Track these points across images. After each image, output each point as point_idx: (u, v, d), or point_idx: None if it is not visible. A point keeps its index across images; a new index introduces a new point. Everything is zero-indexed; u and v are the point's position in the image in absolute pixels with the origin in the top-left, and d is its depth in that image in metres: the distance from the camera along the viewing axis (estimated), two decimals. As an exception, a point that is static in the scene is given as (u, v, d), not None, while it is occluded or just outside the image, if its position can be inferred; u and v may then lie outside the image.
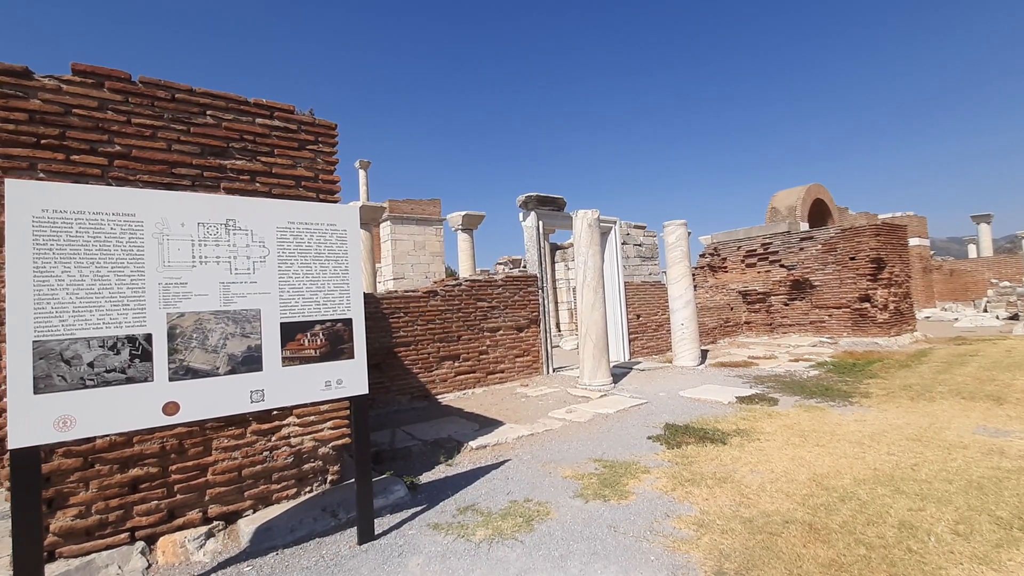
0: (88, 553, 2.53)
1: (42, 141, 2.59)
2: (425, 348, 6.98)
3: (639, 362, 9.24)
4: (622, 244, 10.16)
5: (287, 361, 2.70)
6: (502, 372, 7.78)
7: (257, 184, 3.33)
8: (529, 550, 2.63)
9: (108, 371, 2.15)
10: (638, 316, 10.10)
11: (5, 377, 2.04)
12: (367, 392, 2.96)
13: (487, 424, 5.30)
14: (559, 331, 15.69)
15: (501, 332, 7.83)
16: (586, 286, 7.12)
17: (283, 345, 2.70)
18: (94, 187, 2.21)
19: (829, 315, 11.48)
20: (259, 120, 3.36)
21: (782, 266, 12.30)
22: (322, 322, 2.84)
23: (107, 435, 2.35)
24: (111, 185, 2.73)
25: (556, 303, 15.90)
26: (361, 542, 2.80)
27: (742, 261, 13.26)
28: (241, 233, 2.64)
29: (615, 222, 9.60)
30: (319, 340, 2.83)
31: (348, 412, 3.45)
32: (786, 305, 12.24)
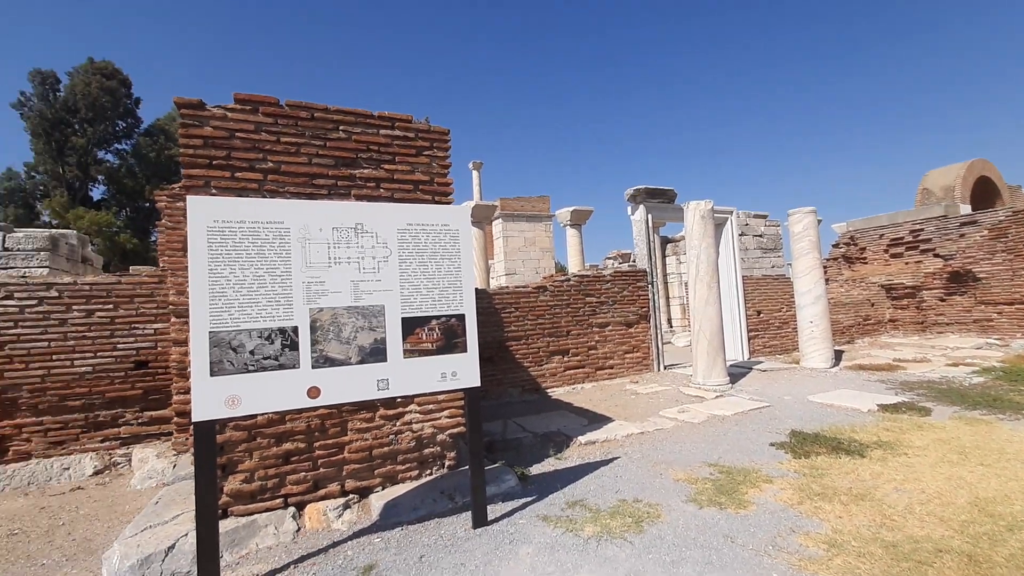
0: (252, 514, 2.93)
1: (213, 162, 3.04)
2: (535, 343, 7.09)
3: (759, 362, 8.57)
4: (739, 235, 9.48)
5: (407, 353, 2.90)
6: (611, 368, 7.66)
7: (381, 190, 3.60)
8: (639, 552, 2.57)
9: (265, 358, 2.48)
10: (758, 312, 9.36)
11: (192, 362, 2.43)
12: (479, 384, 3.09)
13: (596, 420, 5.26)
14: (671, 327, 15.05)
15: (610, 328, 7.71)
16: (699, 280, 6.75)
17: (404, 338, 2.90)
18: (252, 200, 2.55)
19: (998, 312, 9.75)
20: (382, 131, 3.63)
21: (936, 256, 10.66)
22: (437, 317, 3.01)
23: (265, 413, 2.70)
24: (266, 197, 3.13)
25: (667, 298, 15.27)
26: (475, 526, 2.94)
27: (885, 251, 11.71)
28: (368, 236, 2.88)
29: (731, 212, 8.97)
30: (435, 334, 3.00)
31: (463, 402, 3.62)
32: (942, 301, 10.60)
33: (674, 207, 8.64)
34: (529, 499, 3.33)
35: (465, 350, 3.04)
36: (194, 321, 2.35)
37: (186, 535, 2.66)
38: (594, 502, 3.22)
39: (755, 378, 7.24)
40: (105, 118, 24.28)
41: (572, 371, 7.34)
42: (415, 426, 3.57)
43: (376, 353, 2.80)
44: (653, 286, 8.12)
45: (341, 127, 3.49)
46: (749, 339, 9.05)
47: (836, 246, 12.97)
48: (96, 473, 4.48)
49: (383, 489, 3.40)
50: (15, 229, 7.76)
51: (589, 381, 7.43)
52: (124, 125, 25.44)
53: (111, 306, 4.78)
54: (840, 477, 3.43)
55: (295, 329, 2.58)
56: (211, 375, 2.35)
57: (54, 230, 8.33)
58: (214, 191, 3.02)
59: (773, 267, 10.10)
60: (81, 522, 3.44)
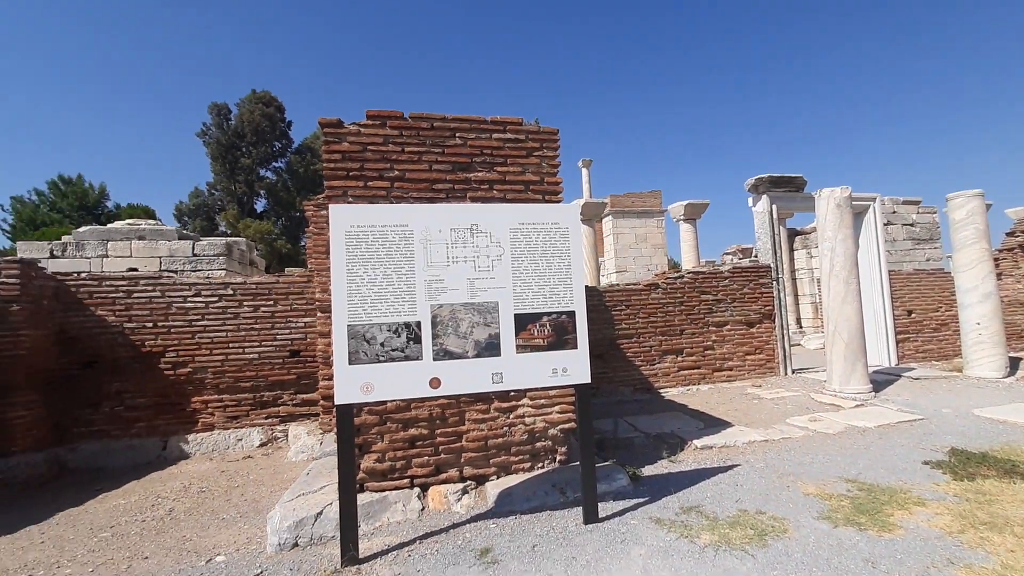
0: (384, 491, 3.20)
1: (350, 173, 3.36)
2: (647, 341, 6.86)
3: (911, 368, 7.46)
4: (885, 225, 8.33)
5: (520, 349, 2.97)
6: (730, 370, 7.16)
7: (494, 191, 3.71)
8: (761, 566, 2.38)
9: (393, 350, 2.69)
10: (909, 312, 8.16)
11: (334, 352, 2.71)
12: (590, 381, 3.06)
13: (713, 424, 4.95)
14: (800, 328, 13.68)
15: (728, 327, 7.21)
16: (833, 276, 6.04)
17: (516, 334, 2.97)
18: (381, 206, 2.78)
19: None
20: (495, 135, 3.74)
21: None
22: (548, 314, 3.03)
23: (394, 400, 2.93)
24: (393, 203, 3.38)
25: (796, 296, 13.90)
26: (586, 522, 2.92)
27: (1085, 239, 9.55)
28: (482, 235, 2.99)
29: (873, 199, 7.91)
30: (546, 331, 3.03)
31: (573, 398, 3.61)
32: None
33: (803, 196, 7.84)
34: (641, 500, 3.24)
35: (575, 347, 3.03)
36: (336, 315, 2.62)
37: (331, 504, 2.98)
38: (711, 509, 3.04)
39: (904, 387, 6.32)
40: (265, 141, 27.91)
41: (686, 371, 6.99)
42: (527, 420, 3.63)
43: (491, 348, 2.90)
44: (778, 283, 7.44)
45: (457, 134, 3.65)
46: (897, 343, 7.92)
47: (1011, 234, 10.85)
48: (262, 445, 5.19)
49: (497, 478, 3.51)
50: (201, 238, 9.23)
51: (705, 383, 7.02)
52: (280, 146, 29.02)
53: (271, 302, 5.50)
54: (1014, 506, 2.87)
55: (418, 324, 2.76)
56: (349, 364, 2.60)
57: (228, 238, 9.77)
58: (351, 199, 3.34)
59: (928, 260, 8.73)
60: (251, 485, 4.02)
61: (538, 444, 3.64)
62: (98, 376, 4.99)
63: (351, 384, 2.60)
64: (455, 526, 2.95)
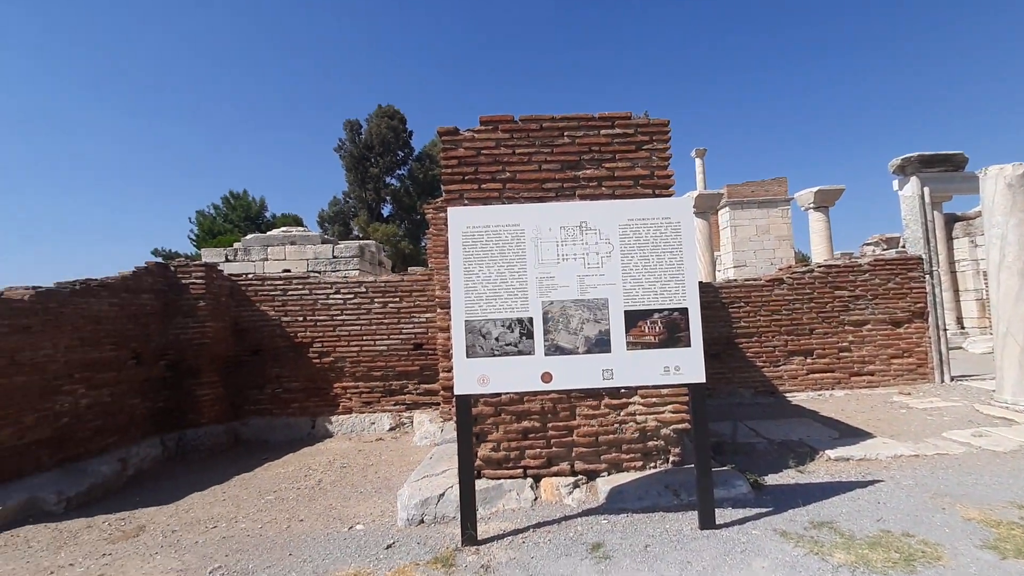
0: (499, 479, 3.34)
1: (465, 177, 3.54)
2: (769, 340, 6.32)
3: (1122, 379, 6.02)
4: (1083, 206, 6.80)
5: (630, 346, 2.91)
6: (870, 375, 6.34)
7: (603, 188, 3.67)
8: (914, 594, 2.09)
9: (507, 344, 2.79)
10: (1120, 310, 6.57)
11: (453, 345, 2.88)
12: (704, 381, 2.91)
13: (849, 434, 4.43)
14: (961, 328, 11.69)
15: (869, 327, 6.39)
16: (1004, 268, 5.08)
17: (627, 331, 2.91)
18: (494, 207, 2.89)
19: None
20: (603, 131, 3.69)
21: None
22: (660, 311, 2.93)
23: (508, 393, 3.04)
24: (505, 204, 3.50)
25: (956, 291, 11.90)
26: (702, 527, 2.78)
27: None
28: (591, 232, 2.97)
29: (1068, 175, 6.49)
30: (657, 328, 2.93)
31: (687, 398, 3.46)
32: None
33: (963, 176, 6.68)
34: (763, 510, 3.01)
35: (689, 344, 2.90)
36: (455, 311, 2.78)
37: (452, 487, 3.17)
38: (847, 527, 2.73)
39: (1112, 401, 5.12)
40: (390, 151, 30.23)
41: (817, 375, 6.32)
42: (639, 417, 3.55)
43: (601, 344, 2.88)
44: (932, 276, 6.43)
45: (566, 133, 3.66)
46: (1101, 347, 6.44)
47: None
48: (391, 429, 5.66)
49: (608, 475, 3.47)
50: (339, 242, 10.28)
51: (840, 388, 6.29)
52: (402, 155, 31.24)
53: (397, 299, 5.96)
54: None
55: (530, 320, 2.83)
56: (467, 357, 2.75)
57: (361, 241, 10.77)
58: (466, 202, 3.51)
59: None
60: (383, 465, 4.41)
61: (650, 443, 3.54)
62: (262, 362, 5.80)
63: (469, 376, 2.75)
64: (566, 518, 2.98)
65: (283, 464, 4.58)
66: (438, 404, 5.90)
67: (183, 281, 5.37)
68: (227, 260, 9.28)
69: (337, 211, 30.36)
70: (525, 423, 3.45)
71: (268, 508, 3.45)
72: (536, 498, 3.30)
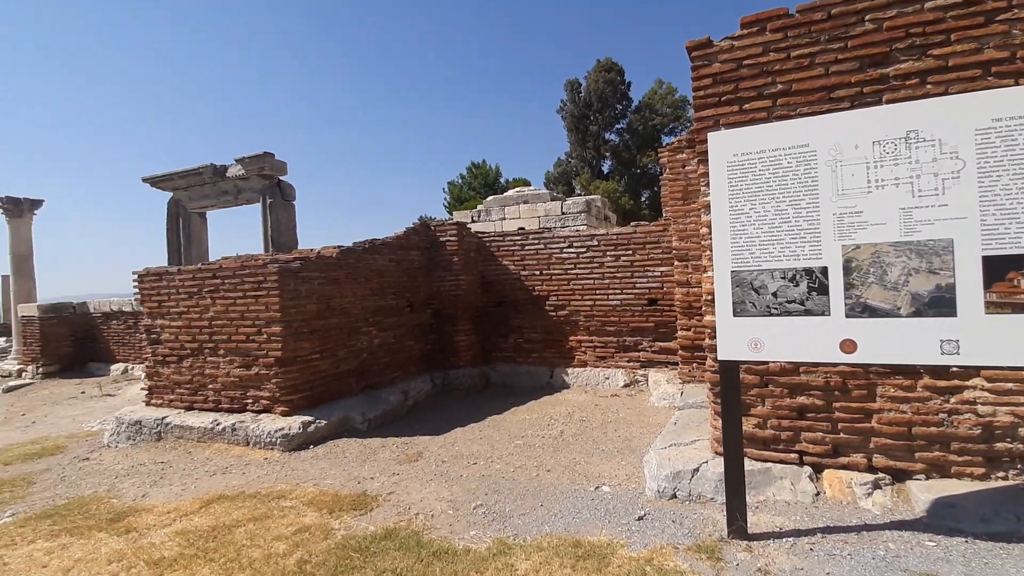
0: (764, 461, 2.76)
1: (722, 99, 2.87)
2: None
3: None
4: None
5: (991, 307, 1.95)
6: None
7: (927, 86, 2.56)
8: None
9: (789, 302, 2.16)
10: None
11: (712, 301, 2.38)
12: None
13: None
14: None
15: None
16: None
17: (987, 286, 1.96)
18: (773, 125, 2.22)
19: None
20: (928, 4, 2.55)
21: None
22: (1040, 256, 1.88)
23: (786, 362, 2.42)
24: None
25: None
26: None
27: None
28: (924, 146, 2.05)
29: None
30: (1036, 281, 1.89)
31: (1090, 388, 2.26)
32: None
33: None
34: None
35: (1122, 308, 1.80)
36: (717, 260, 2.26)
37: (706, 462, 2.74)
38: None
39: None
40: (608, 105, 29.33)
41: None
42: (980, 408, 2.49)
43: (938, 304, 2.00)
44: None
45: (867, 17, 2.64)
46: None
47: None
48: (625, 385, 5.44)
49: (927, 478, 2.55)
50: (567, 199, 10.34)
51: None
52: (620, 108, 30.01)
53: (630, 252, 5.59)
54: None
55: (823, 270, 2.13)
56: (734, 315, 2.22)
57: (587, 196, 10.64)
58: (722, 128, 2.85)
59: None
60: (621, 423, 4.21)
61: (998, 444, 2.47)
62: (505, 313, 6.18)
63: (735, 339, 2.22)
64: (867, 528, 2.27)
65: (527, 410, 4.78)
66: (675, 364, 5.42)
67: (440, 239, 6.00)
68: (472, 221, 10.23)
69: (561, 171, 31.14)
70: (801, 399, 2.75)
71: (517, 452, 3.58)
72: (818, 493, 2.63)
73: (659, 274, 5.49)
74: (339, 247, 4.86)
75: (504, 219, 10.15)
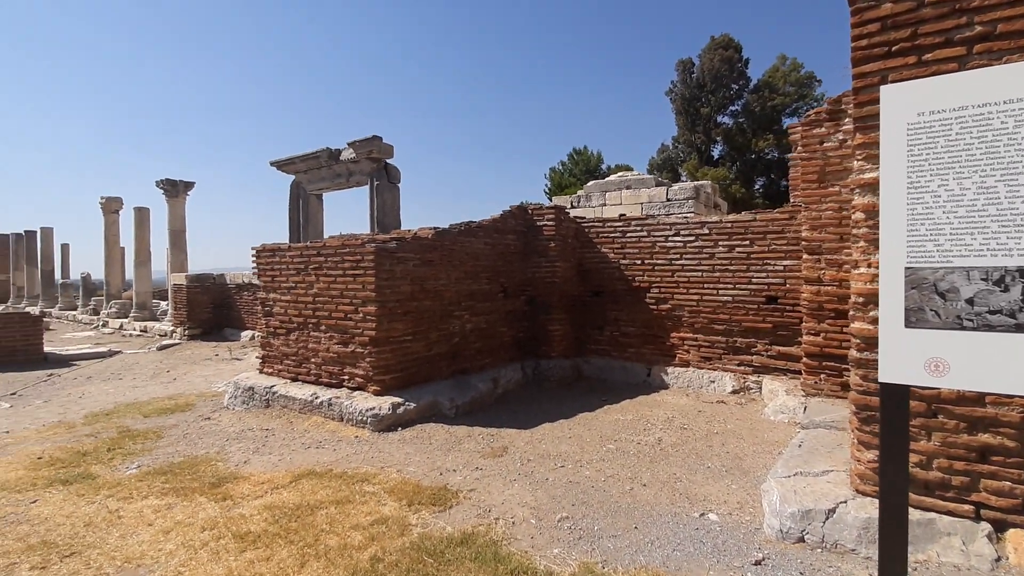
0: (926, 510, 2.17)
1: (892, 48, 2.25)
2: None
3: None
4: None
5: None
6: None
7: None
8: None
9: (991, 312, 1.59)
10: None
11: (863, 304, 1.86)
12: None
13: None
14: None
15: None
16: None
17: None
18: (983, 72, 1.63)
19: None
20: None
21: None
22: None
23: (991, 393, 1.84)
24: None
25: None
26: None
27: None
28: None
29: None
30: None
31: None
32: None
33: None
34: None
35: None
36: (885, 254, 1.73)
37: (845, 502, 2.22)
38: None
39: None
40: (722, 85, 26.98)
41: None
42: None
43: None
44: None
45: None
46: None
47: None
48: (733, 392, 4.83)
49: None
50: (672, 184, 9.57)
51: None
52: (736, 88, 27.47)
53: (747, 242, 4.91)
54: None
55: (1052, 271, 1.53)
56: (906, 326, 1.69)
57: (696, 182, 9.77)
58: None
59: None
60: (729, 436, 3.69)
61: None
62: (602, 304, 5.79)
63: (907, 356, 1.69)
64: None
65: (621, 410, 4.40)
66: (796, 372, 4.70)
67: (538, 223, 5.74)
68: (572, 207, 9.85)
69: (665, 158, 29.40)
70: (984, 436, 2.11)
71: (609, 459, 3.24)
72: (999, 558, 2.01)
73: (782, 268, 4.77)
74: (435, 228, 4.79)
75: (605, 205, 9.64)
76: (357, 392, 4.28)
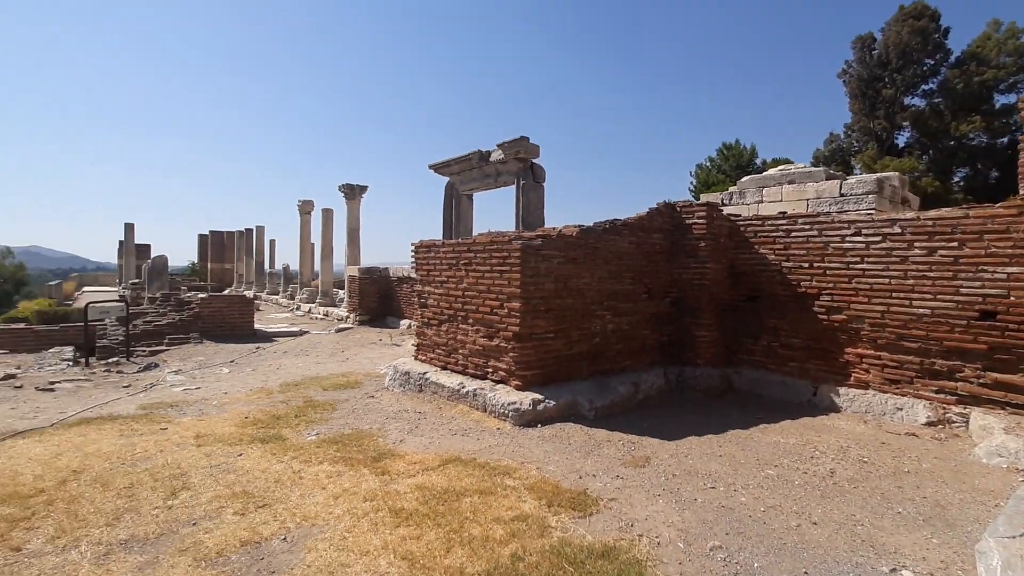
0: None
1: None
2: None
3: None
4: None
5: None
6: None
7: None
8: None
9: None
10: None
11: None
12: None
13: None
14: None
15: None
16: None
17: None
18: None
19: None
20: None
21: None
22: None
23: None
24: None
25: None
26: None
27: None
28: None
29: None
30: None
31: None
32: None
33: None
34: None
35: None
36: None
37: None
38: None
39: None
40: (912, 61, 22.59)
41: None
42: None
43: None
44: None
45: None
46: None
47: None
48: (928, 424, 3.97)
49: None
50: (848, 177, 8.26)
51: None
52: (931, 64, 22.80)
53: (955, 244, 4.00)
54: None
55: None
56: None
57: (878, 174, 8.29)
58: None
59: None
60: (926, 477, 3.03)
61: None
62: (758, 310, 5.20)
63: None
64: None
65: (780, 431, 3.89)
66: (1018, 406, 3.71)
67: (686, 221, 5.36)
68: (723, 204, 9.06)
69: (834, 149, 25.59)
70: None
71: (769, 487, 2.87)
72: None
73: (1004, 277, 3.80)
74: (579, 226, 4.74)
75: (761, 202, 8.69)
76: (500, 385, 4.42)
